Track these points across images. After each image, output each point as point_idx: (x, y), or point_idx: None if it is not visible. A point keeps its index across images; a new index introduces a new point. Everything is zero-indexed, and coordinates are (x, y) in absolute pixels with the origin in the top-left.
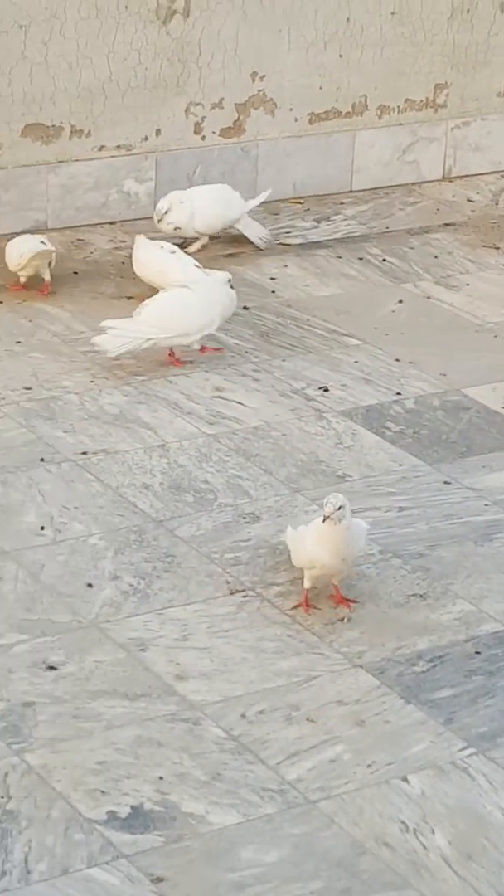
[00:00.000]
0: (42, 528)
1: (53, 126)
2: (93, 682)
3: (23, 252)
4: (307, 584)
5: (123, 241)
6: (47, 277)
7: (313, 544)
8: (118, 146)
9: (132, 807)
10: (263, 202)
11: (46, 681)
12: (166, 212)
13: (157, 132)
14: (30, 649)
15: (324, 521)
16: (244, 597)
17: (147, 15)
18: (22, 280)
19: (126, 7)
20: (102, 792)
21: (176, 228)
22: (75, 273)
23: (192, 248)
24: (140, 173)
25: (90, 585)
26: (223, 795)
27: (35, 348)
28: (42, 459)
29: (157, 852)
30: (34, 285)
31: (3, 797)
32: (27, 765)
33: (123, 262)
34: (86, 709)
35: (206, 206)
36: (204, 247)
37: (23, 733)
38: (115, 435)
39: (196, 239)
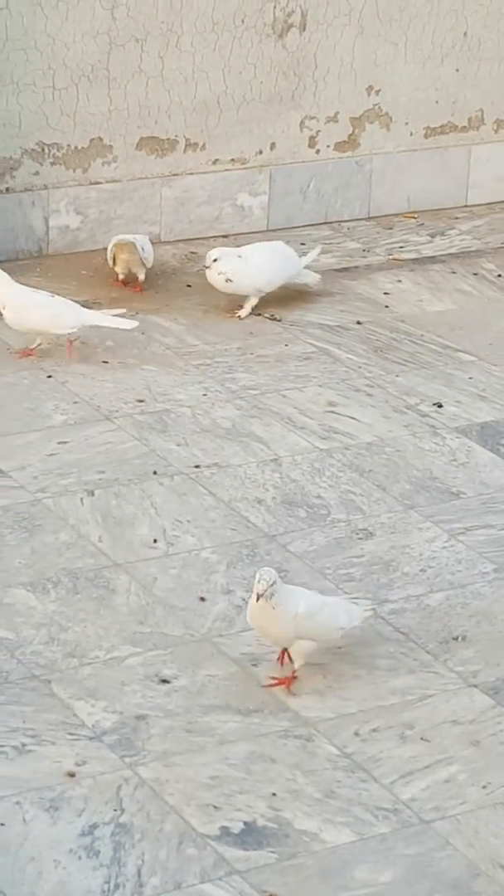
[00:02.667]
0: (155, 540)
1: (168, 139)
2: (205, 697)
3: (113, 243)
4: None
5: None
6: (141, 276)
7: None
8: (232, 159)
9: (245, 823)
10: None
11: (159, 694)
12: (215, 260)
13: (272, 146)
14: (142, 662)
15: (256, 599)
16: None
17: (263, 29)
18: (120, 277)
19: (242, 21)
20: (215, 807)
21: (228, 280)
22: (188, 286)
23: (244, 312)
24: (254, 187)
25: (203, 599)
26: (337, 813)
27: (148, 361)
28: (155, 472)
29: (270, 869)
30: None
31: (116, 810)
32: (140, 778)
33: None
34: (198, 723)
35: (265, 262)
36: (253, 308)
37: (136, 746)
38: (228, 448)
39: (245, 297)
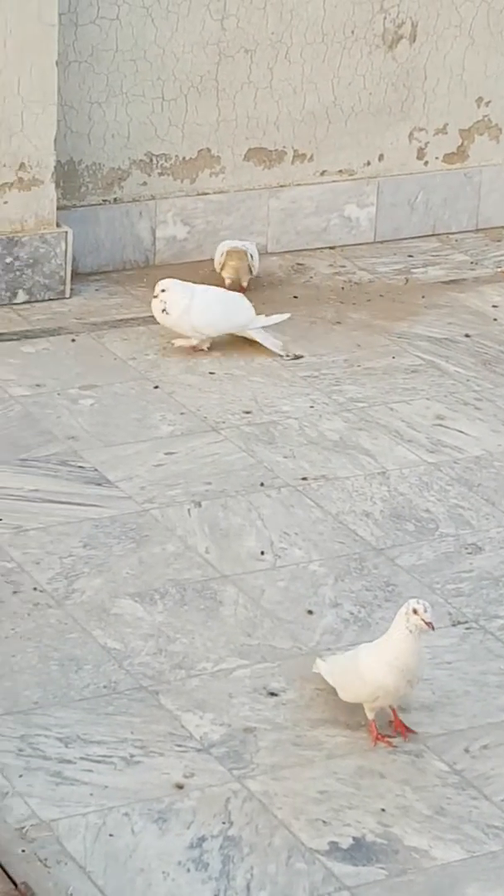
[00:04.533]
0: (262, 552)
1: (276, 150)
2: (313, 710)
3: (222, 251)
4: (371, 716)
5: (343, 267)
6: (245, 283)
7: (383, 667)
8: (340, 171)
9: (354, 838)
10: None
11: (267, 707)
12: (163, 290)
13: (380, 157)
14: (250, 675)
15: (431, 628)
16: (467, 629)
17: (373, 40)
18: (227, 282)
19: (352, 32)
20: (324, 822)
21: (164, 311)
22: (295, 297)
23: (180, 342)
24: (361, 198)
25: (310, 612)
26: (447, 830)
27: (255, 372)
28: (262, 484)
29: (379, 886)
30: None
31: (224, 823)
32: (248, 791)
33: (343, 287)
34: (306, 737)
35: (208, 305)
36: (193, 348)
37: (244, 759)
38: (335, 461)
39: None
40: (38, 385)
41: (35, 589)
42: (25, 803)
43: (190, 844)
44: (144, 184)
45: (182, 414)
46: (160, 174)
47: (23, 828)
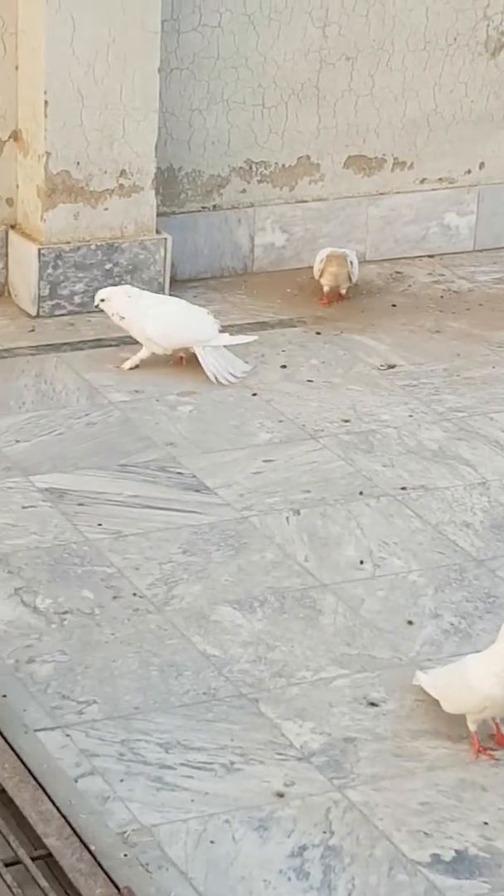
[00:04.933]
0: (361, 562)
1: (376, 158)
2: (414, 721)
3: (321, 257)
4: (473, 728)
5: (442, 275)
6: (343, 290)
7: (491, 678)
8: (440, 179)
9: (456, 851)
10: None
11: (367, 717)
12: (102, 300)
13: (481, 165)
14: (350, 684)
15: None
16: None
17: (476, 47)
18: (325, 289)
19: (455, 39)
20: (426, 833)
21: (121, 318)
22: (393, 306)
23: (128, 364)
24: (461, 206)
25: (410, 623)
26: None
27: (353, 380)
28: (361, 493)
29: None
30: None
31: (325, 832)
32: (349, 801)
33: (442, 296)
34: (407, 748)
35: (167, 315)
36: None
37: (344, 769)
38: (435, 471)
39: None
40: (136, 391)
41: (135, 594)
42: (127, 808)
43: (291, 853)
44: (244, 191)
45: (280, 421)
46: (259, 181)
47: (124, 832)
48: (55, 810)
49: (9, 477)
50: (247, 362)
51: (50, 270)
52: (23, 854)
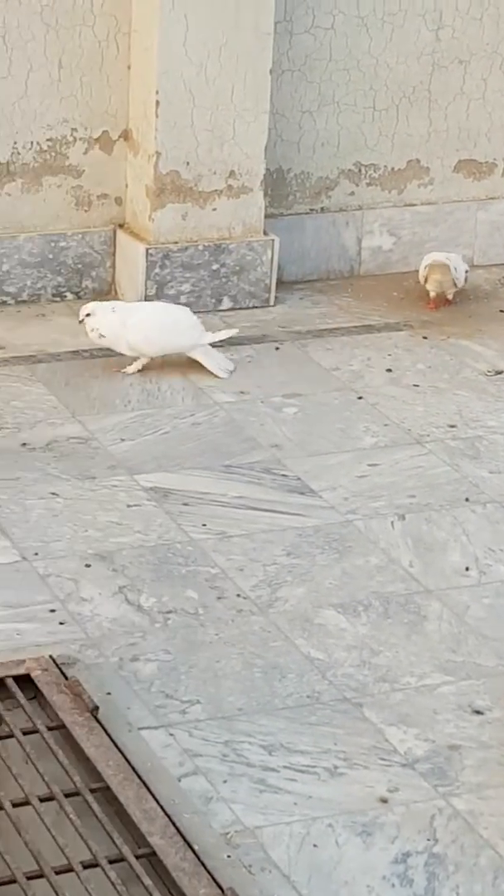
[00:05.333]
0: (467, 568)
1: (486, 162)
2: None
3: (426, 264)
4: None
5: None
6: (449, 296)
7: None
8: None
9: None
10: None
11: (472, 725)
12: (88, 314)
13: None
14: (455, 691)
15: None
16: None
17: None
18: (431, 295)
19: None
20: None
21: (101, 336)
22: (501, 311)
23: (131, 368)
24: None
25: None
26: None
27: (460, 385)
28: (467, 499)
29: None
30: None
31: (429, 840)
32: (454, 809)
33: None
34: None
35: (146, 322)
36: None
37: (449, 776)
38: None
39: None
40: (242, 392)
41: (238, 595)
42: (230, 809)
43: (395, 860)
44: (352, 193)
45: (385, 425)
46: (368, 184)
47: (227, 833)
48: (159, 809)
49: (114, 475)
50: (250, 359)
51: (157, 270)
52: (127, 851)
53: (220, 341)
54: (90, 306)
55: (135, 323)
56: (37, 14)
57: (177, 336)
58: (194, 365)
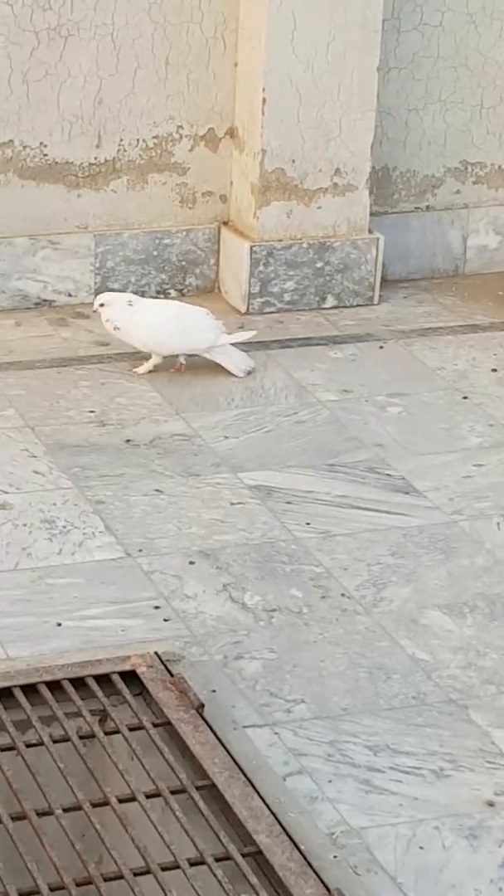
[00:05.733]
0: None
1: None
2: None
3: None
4: None
5: None
6: None
7: None
8: None
9: None
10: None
11: None
12: (102, 305)
13: None
14: None
15: None
16: None
17: None
18: None
19: None
20: None
21: (115, 328)
22: None
23: (142, 369)
24: None
25: None
26: None
27: None
28: None
29: None
30: None
31: None
32: None
33: None
34: None
35: (157, 320)
36: (156, 367)
37: None
38: None
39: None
40: (345, 391)
41: (343, 595)
42: (335, 809)
43: (502, 863)
44: (458, 192)
45: (491, 426)
46: (474, 182)
47: (333, 833)
48: (265, 808)
49: (217, 473)
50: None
51: (261, 268)
52: (233, 850)
53: (242, 342)
54: (105, 296)
55: (149, 322)
56: (145, 12)
57: (191, 338)
58: (299, 363)
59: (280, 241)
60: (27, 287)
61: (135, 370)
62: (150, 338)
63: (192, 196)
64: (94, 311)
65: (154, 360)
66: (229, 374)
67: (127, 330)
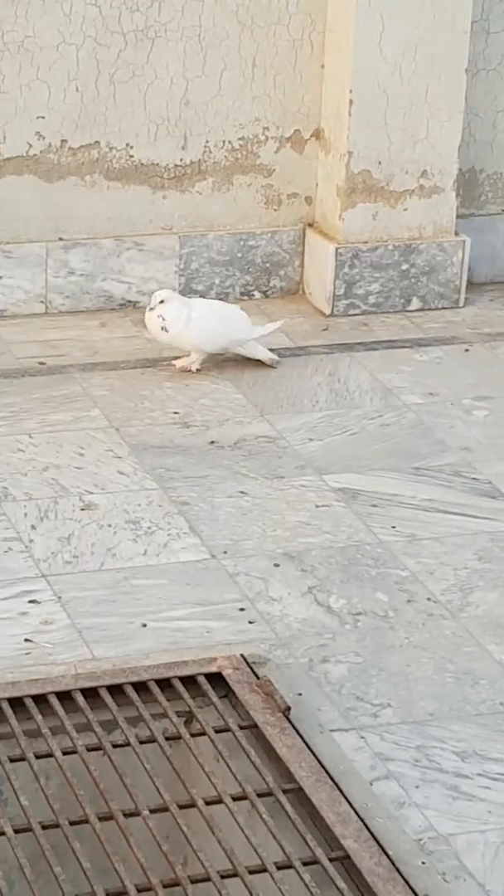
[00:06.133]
0: None
1: None
2: None
3: None
4: None
5: None
6: None
7: None
8: None
9: None
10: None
11: None
12: (161, 301)
13: None
14: None
15: None
16: None
17: None
18: None
19: None
20: None
21: (163, 329)
22: None
23: (194, 366)
24: None
25: None
26: None
27: None
28: None
29: None
30: None
31: None
32: None
33: None
34: None
35: (207, 320)
36: (198, 370)
37: None
38: None
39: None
40: (431, 394)
41: (429, 599)
42: (422, 815)
43: None
44: None
45: None
46: None
47: (421, 840)
48: (352, 812)
49: (302, 475)
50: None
51: (346, 269)
52: (320, 854)
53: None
54: (164, 293)
55: (196, 320)
56: (232, 13)
57: (233, 331)
58: (383, 366)
59: (365, 243)
60: (112, 288)
61: (185, 368)
62: (198, 335)
63: (278, 198)
64: (151, 309)
65: (200, 357)
66: (265, 365)
67: (177, 333)
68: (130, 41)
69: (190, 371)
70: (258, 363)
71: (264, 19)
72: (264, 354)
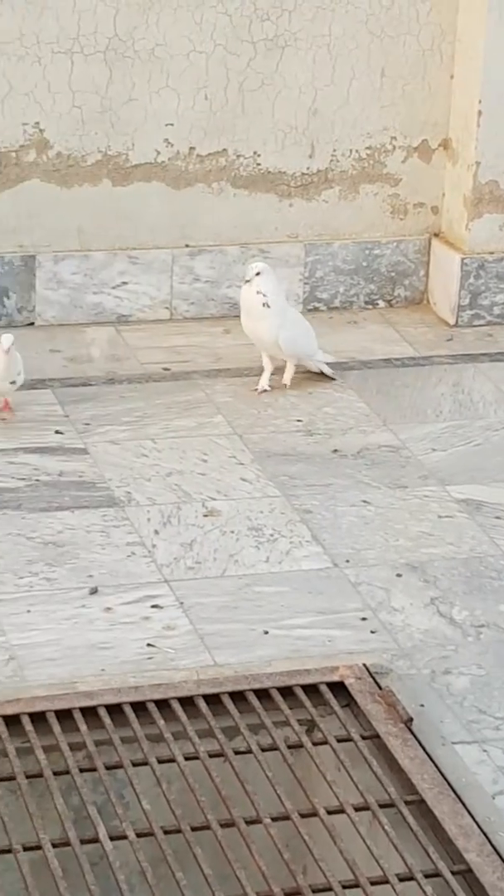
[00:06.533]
0: None
1: None
2: None
3: None
4: None
5: None
6: None
7: None
8: None
9: None
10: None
11: None
12: (258, 274)
13: None
14: None
15: None
16: None
17: None
18: None
19: None
20: None
21: (265, 305)
22: None
23: (287, 379)
24: None
25: None
26: None
27: None
28: None
29: None
30: None
31: None
32: None
33: None
34: None
35: (301, 321)
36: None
37: None
38: None
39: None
40: None
41: None
42: None
43: None
44: None
45: None
46: None
47: None
48: (475, 825)
49: (425, 485)
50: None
51: (472, 280)
52: (443, 867)
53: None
54: (262, 265)
55: (290, 319)
56: (362, 23)
57: (312, 341)
58: None
59: (492, 253)
60: (237, 295)
61: (283, 383)
62: (291, 338)
63: (404, 207)
64: (247, 281)
65: (294, 366)
66: (330, 378)
67: (272, 317)
68: (260, 50)
69: (265, 391)
70: (383, 373)
71: (394, 29)
72: (327, 368)
